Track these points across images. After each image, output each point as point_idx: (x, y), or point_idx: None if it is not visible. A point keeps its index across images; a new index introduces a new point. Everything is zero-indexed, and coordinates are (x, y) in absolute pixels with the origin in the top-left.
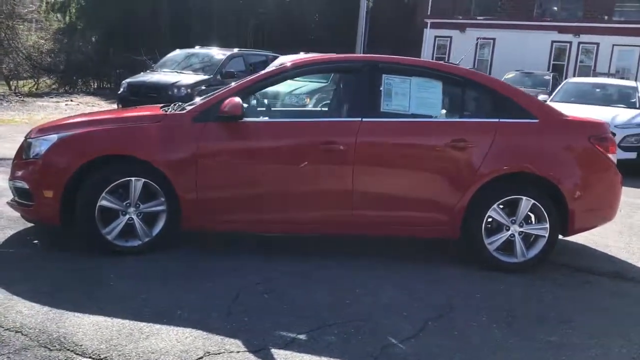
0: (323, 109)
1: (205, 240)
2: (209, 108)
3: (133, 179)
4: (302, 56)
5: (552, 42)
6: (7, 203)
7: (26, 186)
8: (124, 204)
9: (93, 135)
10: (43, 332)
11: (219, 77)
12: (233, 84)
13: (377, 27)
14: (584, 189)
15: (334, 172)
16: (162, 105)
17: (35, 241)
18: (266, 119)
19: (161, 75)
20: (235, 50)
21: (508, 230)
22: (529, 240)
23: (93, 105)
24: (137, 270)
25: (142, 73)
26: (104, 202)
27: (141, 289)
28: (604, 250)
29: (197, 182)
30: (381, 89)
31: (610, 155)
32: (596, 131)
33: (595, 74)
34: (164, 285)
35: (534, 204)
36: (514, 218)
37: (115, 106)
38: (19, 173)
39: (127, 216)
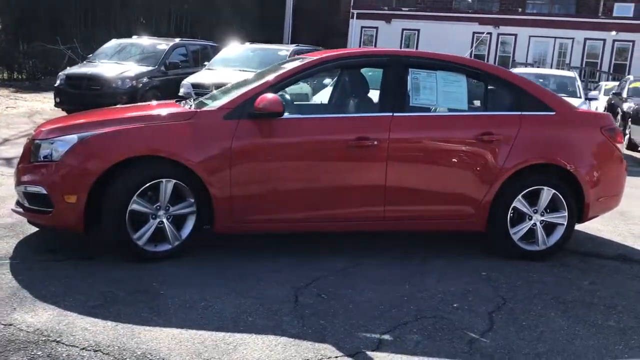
0: (353, 103)
1: (225, 242)
2: (241, 105)
3: (164, 180)
4: (265, 47)
5: (474, 33)
6: (13, 210)
7: (44, 191)
8: (154, 207)
9: (122, 134)
10: (124, 350)
11: (162, 68)
12: (262, 80)
13: (303, 16)
14: (597, 177)
15: (367, 168)
16: (176, 100)
17: (50, 249)
18: (299, 115)
19: (102, 67)
20: (177, 40)
21: (530, 219)
22: (548, 228)
23: (16, 99)
24: (178, 276)
25: (79, 64)
26: (135, 206)
27: (195, 296)
28: (599, 235)
29: (231, 181)
30: (409, 83)
31: (618, 145)
32: (606, 122)
33: (515, 64)
34: (214, 290)
35: (554, 193)
36: (536, 208)
37: (47, 97)
38: (31, 177)
39: (157, 220)
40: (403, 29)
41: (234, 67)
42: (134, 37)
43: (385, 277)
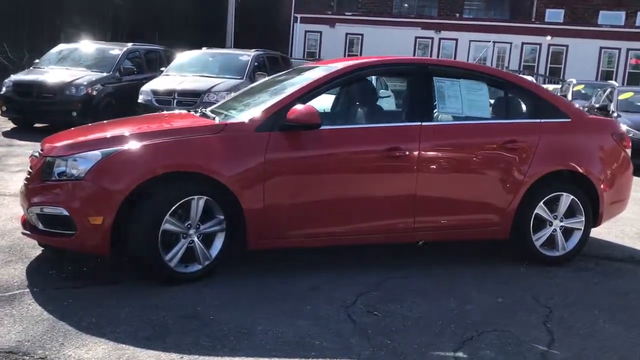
0: (381, 113)
1: (250, 259)
2: (272, 116)
3: (196, 197)
4: (224, 51)
5: (416, 37)
6: (24, 234)
7: (65, 212)
8: (185, 225)
9: (151, 149)
10: None
11: (117, 74)
12: (288, 90)
13: (245, 20)
14: (610, 182)
15: (399, 179)
16: (190, 110)
17: (66, 276)
18: (331, 126)
19: (52, 73)
20: (130, 45)
21: (551, 225)
22: (565, 234)
23: None
24: (218, 298)
25: (26, 70)
26: (167, 226)
27: (246, 320)
28: (597, 237)
29: (264, 196)
30: (435, 92)
31: (627, 150)
32: (615, 128)
33: None
34: (262, 312)
35: (572, 199)
36: (556, 214)
37: None
38: (48, 198)
39: (188, 239)
40: (347, 34)
41: (194, 72)
42: (83, 41)
43: (424, 290)
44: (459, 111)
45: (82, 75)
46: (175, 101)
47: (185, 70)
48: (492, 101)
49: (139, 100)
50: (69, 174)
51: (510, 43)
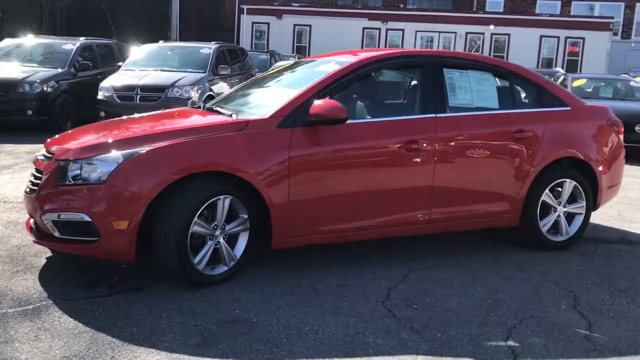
0: (396, 105)
1: (267, 259)
2: (293, 112)
3: (222, 197)
4: (184, 45)
5: (364, 28)
6: (36, 242)
7: (86, 218)
8: (212, 226)
9: (175, 149)
10: None
11: (72, 69)
12: (306, 86)
13: (190, 11)
14: (607, 167)
15: (417, 171)
16: (195, 106)
17: (84, 284)
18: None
19: (3, 70)
20: (83, 39)
21: (555, 211)
22: (567, 219)
23: None
24: (254, 300)
25: None
26: (196, 228)
27: (291, 320)
28: None
29: (289, 193)
30: (446, 83)
31: (620, 136)
32: (610, 115)
33: None
34: (304, 311)
35: (574, 185)
36: (559, 200)
37: None
38: (65, 203)
39: (214, 240)
40: (295, 25)
41: (154, 67)
42: (30, 36)
43: (449, 282)
44: (469, 102)
45: (35, 72)
46: (138, 97)
47: (144, 64)
48: (499, 91)
49: (99, 97)
50: (87, 178)
51: (455, 33)
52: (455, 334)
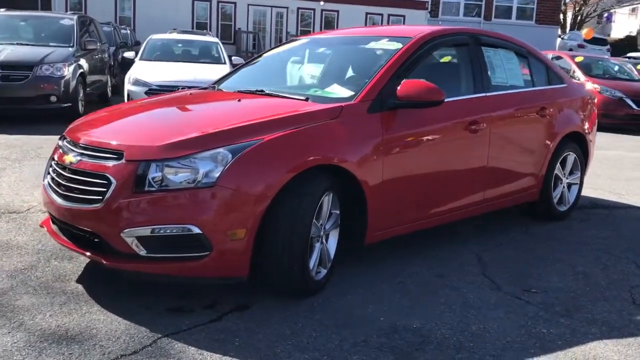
0: (459, 84)
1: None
2: (379, 95)
3: (330, 193)
4: (36, 14)
5: (194, 1)
6: (109, 265)
7: (196, 230)
8: (320, 226)
9: (287, 142)
10: None
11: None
12: (385, 66)
13: None
14: (593, 138)
15: (478, 151)
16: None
17: (174, 308)
18: None
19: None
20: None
21: (561, 183)
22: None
23: None
24: (394, 303)
25: None
26: (313, 230)
27: (453, 324)
28: None
29: (383, 183)
30: (487, 62)
31: (595, 109)
32: (588, 90)
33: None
34: (446, 311)
35: (575, 157)
36: (564, 172)
37: None
38: (162, 213)
39: (320, 242)
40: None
41: (4, 39)
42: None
43: (529, 261)
44: (504, 81)
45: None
46: None
47: None
48: (521, 69)
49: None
50: (187, 180)
51: (287, 8)
52: (591, 311)
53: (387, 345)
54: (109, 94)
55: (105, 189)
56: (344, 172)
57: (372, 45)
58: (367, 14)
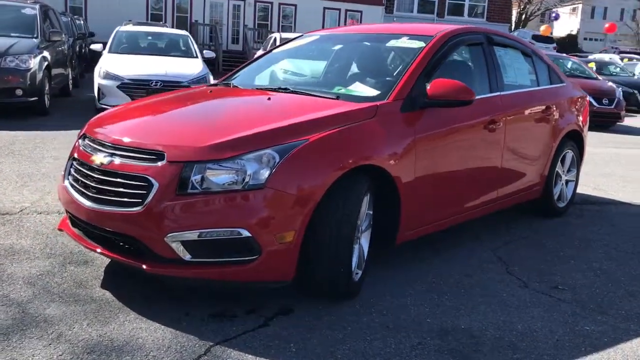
0: (477, 83)
1: None
2: (409, 93)
3: (367, 193)
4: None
5: None
6: (150, 270)
7: (245, 233)
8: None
9: (332, 142)
10: None
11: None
12: (412, 65)
13: None
14: (586, 135)
15: (495, 150)
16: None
17: (228, 315)
18: None
19: None
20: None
21: (561, 180)
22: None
23: None
24: (434, 304)
25: None
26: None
27: (499, 323)
28: None
29: (415, 182)
30: (499, 61)
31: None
32: (580, 89)
33: (195, 23)
34: (490, 312)
35: (572, 155)
36: (564, 169)
37: None
38: (210, 217)
39: (358, 243)
40: None
41: None
42: None
43: (545, 259)
44: (514, 80)
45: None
46: None
47: None
48: (526, 69)
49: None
50: (232, 182)
51: (244, 0)
52: (625, 308)
53: (444, 348)
54: (70, 87)
55: (145, 192)
56: (379, 171)
57: (393, 43)
58: (324, 8)
